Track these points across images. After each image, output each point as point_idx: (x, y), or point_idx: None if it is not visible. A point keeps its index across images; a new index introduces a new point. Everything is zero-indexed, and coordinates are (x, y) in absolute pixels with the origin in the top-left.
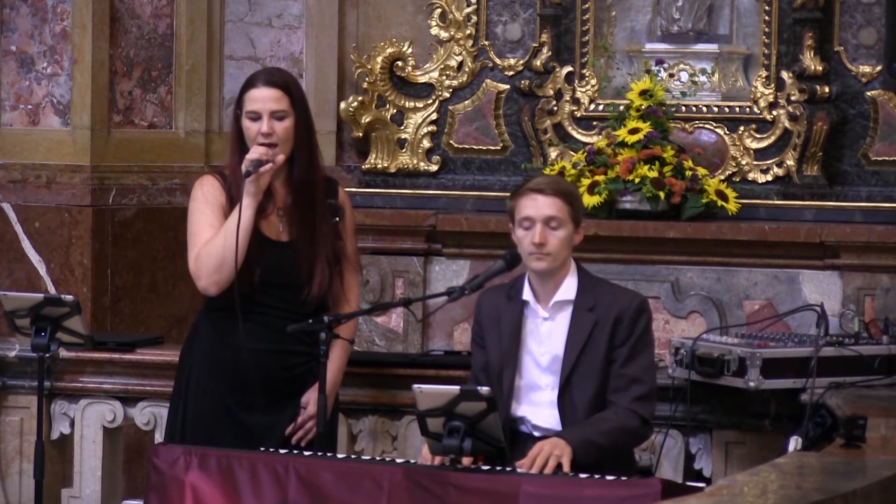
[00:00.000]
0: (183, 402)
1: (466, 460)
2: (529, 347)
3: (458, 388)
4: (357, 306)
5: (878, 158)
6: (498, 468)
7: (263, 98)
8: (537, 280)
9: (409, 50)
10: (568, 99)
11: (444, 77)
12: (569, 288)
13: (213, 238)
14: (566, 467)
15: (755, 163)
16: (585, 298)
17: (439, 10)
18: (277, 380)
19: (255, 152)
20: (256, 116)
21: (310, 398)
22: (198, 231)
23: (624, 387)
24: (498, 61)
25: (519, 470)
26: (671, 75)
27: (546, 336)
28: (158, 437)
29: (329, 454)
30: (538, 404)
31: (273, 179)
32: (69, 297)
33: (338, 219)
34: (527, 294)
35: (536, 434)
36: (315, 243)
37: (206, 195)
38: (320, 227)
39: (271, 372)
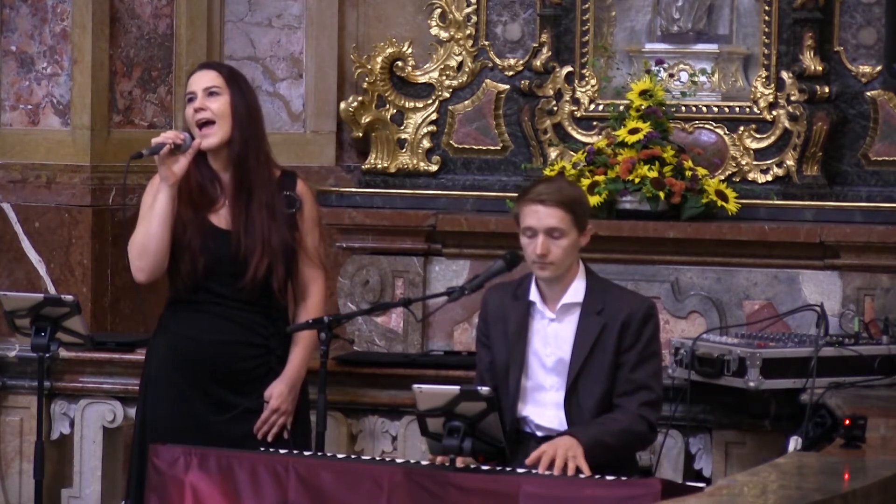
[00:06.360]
0: (144, 396)
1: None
2: (535, 348)
3: (458, 388)
4: (320, 300)
5: (878, 158)
6: (498, 468)
7: (198, 79)
8: (545, 283)
9: (409, 50)
10: (568, 99)
11: (444, 77)
12: (577, 291)
13: (138, 226)
14: (585, 470)
15: (755, 163)
16: (594, 302)
17: (439, 10)
18: (233, 371)
19: (160, 136)
20: (192, 96)
21: (272, 392)
22: (139, 222)
23: (632, 391)
24: (498, 61)
25: (524, 469)
26: (671, 75)
27: (552, 337)
28: None
29: (329, 454)
30: (542, 405)
31: (221, 170)
32: (69, 297)
33: (294, 210)
34: (533, 295)
35: (539, 434)
36: (251, 231)
37: (153, 186)
38: (256, 215)
39: (226, 363)
